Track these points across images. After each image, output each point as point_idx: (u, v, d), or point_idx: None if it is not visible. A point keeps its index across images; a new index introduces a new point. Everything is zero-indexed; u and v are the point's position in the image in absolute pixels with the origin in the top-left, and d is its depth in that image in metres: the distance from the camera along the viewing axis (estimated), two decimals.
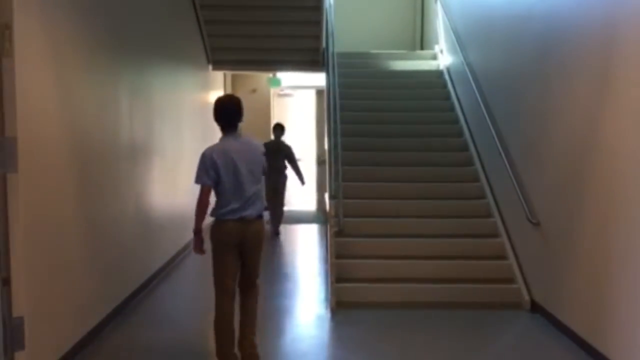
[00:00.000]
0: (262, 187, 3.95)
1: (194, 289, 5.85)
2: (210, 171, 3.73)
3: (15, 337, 3.13)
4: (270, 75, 10.74)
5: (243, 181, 3.75)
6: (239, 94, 10.77)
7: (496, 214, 6.10)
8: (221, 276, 3.84)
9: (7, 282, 3.10)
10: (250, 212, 3.77)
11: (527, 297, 5.14)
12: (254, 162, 3.84)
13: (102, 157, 4.43)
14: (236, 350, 3.83)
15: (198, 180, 3.76)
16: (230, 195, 3.74)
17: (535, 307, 5.04)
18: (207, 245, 3.99)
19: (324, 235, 8.27)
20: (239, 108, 3.87)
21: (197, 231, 3.91)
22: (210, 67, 8.94)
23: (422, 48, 10.83)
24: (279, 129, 8.53)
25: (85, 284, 4.14)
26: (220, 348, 3.78)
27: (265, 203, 4.07)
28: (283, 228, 8.52)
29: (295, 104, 11.72)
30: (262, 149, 4.01)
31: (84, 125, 4.10)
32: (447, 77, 8.48)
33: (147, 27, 5.72)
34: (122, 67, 4.91)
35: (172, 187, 6.61)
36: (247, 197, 3.76)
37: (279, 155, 8.24)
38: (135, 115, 5.22)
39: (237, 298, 3.99)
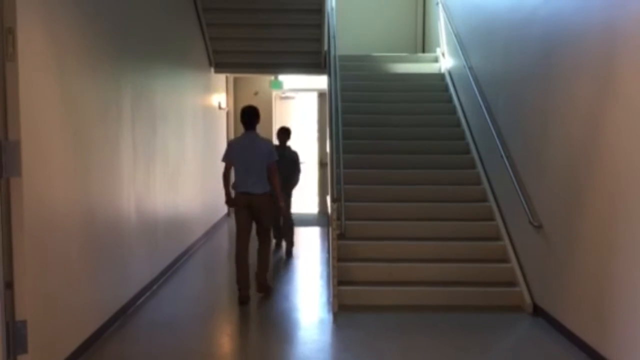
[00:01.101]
0: (264, 171, 5.41)
1: (196, 292, 5.85)
2: (230, 153, 5.44)
3: (18, 341, 3.13)
4: (272, 77, 10.76)
5: (249, 167, 5.36)
6: (241, 97, 10.90)
7: (498, 216, 6.10)
8: (237, 228, 5.50)
9: (10, 285, 3.11)
10: (252, 189, 5.37)
11: (529, 300, 5.14)
12: (258, 154, 5.39)
13: (104, 160, 4.44)
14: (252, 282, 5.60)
15: (223, 158, 5.51)
16: (241, 176, 5.39)
17: (537, 311, 5.04)
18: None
19: (326, 238, 8.27)
20: (256, 114, 5.56)
21: (227, 201, 5.58)
22: (213, 69, 8.96)
23: (423, 51, 10.85)
24: (284, 133, 7.54)
25: (87, 287, 4.14)
26: (237, 274, 5.46)
27: (268, 184, 5.49)
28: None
29: (297, 107, 11.74)
30: (270, 145, 5.51)
31: (86, 129, 4.11)
32: (448, 80, 8.49)
33: (150, 30, 5.73)
34: (124, 70, 4.92)
35: (174, 190, 6.62)
36: (251, 178, 5.36)
37: (286, 162, 7.20)
38: (137, 118, 5.23)
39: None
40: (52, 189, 3.59)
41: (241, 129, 5.56)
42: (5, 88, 3.06)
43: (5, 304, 3.08)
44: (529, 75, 5.24)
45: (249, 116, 5.48)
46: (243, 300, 5.35)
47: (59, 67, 3.69)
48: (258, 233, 5.60)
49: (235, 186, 5.44)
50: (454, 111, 7.92)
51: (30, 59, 3.26)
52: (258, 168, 5.36)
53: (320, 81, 9.82)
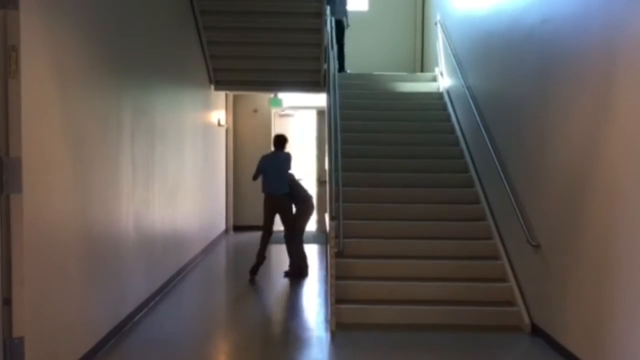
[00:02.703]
0: (285, 178, 7.08)
1: (193, 310, 5.83)
2: (260, 167, 7.15)
3: (15, 358, 3.12)
4: (272, 95, 10.82)
5: (271, 175, 7.04)
6: (241, 114, 10.96)
7: (496, 236, 6.11)
8: (263, 222, 7.16)
9: (8, 302, 3.10)
10: (273, 191, 7.04)
11: (527, 320, 5.13)
12: (278, 165, 7.08)
13: (104, 176, 4.46)
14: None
15: (255, 174, 7.23)
16: (267, 181, 7.06)
17: (536, 330, 5.03)
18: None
19: (324, 255, 8.26)
20: (284, 140, 7.28)
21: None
22: (212, 87, 9.02)
23: (422, 70, 10.94)
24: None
25: (85, 303, 4.13)
26: (258, 251, 7.11)
27: (287, 187, 7.10)
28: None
29: (296, 124, 11.78)
30: (287, 158, 7.18)
31: (86, 145, 4.13)
32: (447, 99, 8.55)
33: (150, 48, 5.78)
34: (124, 87, 4.96)
35: (172, 206, 6.62)
36: (273, 183, 7.04)
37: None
38: (137, 135, 5.25)
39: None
40: (52, 205, 3.60)
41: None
42: (7, 105, 3.09)
43: (2, 320, 3.07)
44: (527, 95, 5.28)
45: (278, 140, 7.31)
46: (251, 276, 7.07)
47: (60, 84, 3.71)
48: (284, 229, 7.26)
49: (263, 190, 7.11)
50: (452, 130, 7.97)
51: (32, 76, 3.29)
52: (278, 176, 7.04)
53: (320, 99, 9.89)
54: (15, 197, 3.11)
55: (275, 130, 11.36)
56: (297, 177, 7.58)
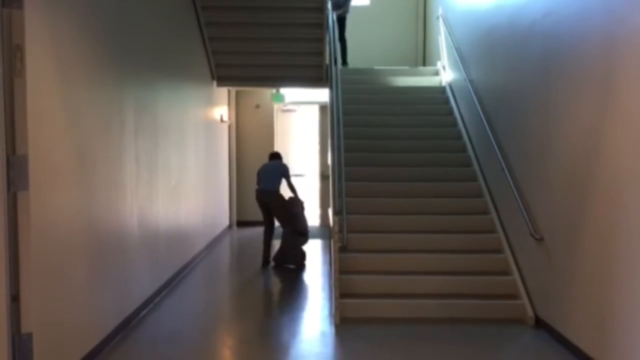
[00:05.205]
0: (277, 182, 7.60)
1: (198, 305, 5.86)
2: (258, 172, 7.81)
3: (23, 354, 3.15)
4: (274, 91, 10.83)
5: (265, 178, 7.59)
6: (243, 110, 10.99)
7: (500, 229, 6.13)
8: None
9: (16, 298, 3.13)
10: (264, 188, 7.62)
11: (530, 313, 5.16)
12: (272, 170, 7.63)
13: (108, 173, 4.48)
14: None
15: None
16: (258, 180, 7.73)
17: (539, 323, 5.05)
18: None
19: (328, 250, 8.29)
20: (276, 156, 8.00)
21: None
22: (215, 83, 9.03)
23: (424, 64, 10.93)
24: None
25: (90, 300, 4.17)
26: (263, 252, 7.80)
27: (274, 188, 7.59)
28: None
29: (298, 120, 11.80)
30: (282, 166, 7.73)
31: (90, 143, 4.16)
32: (449, 93, 8.55)
33: (153, 44, 5.79)
34: (127, 84, 4.97)
35: (176, 203, 6.65)
36: (264, 183, 7.63)
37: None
38: (140, 131, 5.27)
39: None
40: (57, 202, 3.63)
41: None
42: (14, 103, 3.11)
43: (11, 316, 3.10)
44: (529, 89, 5.29)
45: (272, 155, 8.02)
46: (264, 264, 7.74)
47: (64, 82, 3.74)
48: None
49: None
50: (454, 124, 7.97)
51: (36, 74, 3.31)
52: (270, 179, 7.59)
53: (322, 94, 9.89)
54: (22, 195, 3.13)
55: (278, 125, 11.41)
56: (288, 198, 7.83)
